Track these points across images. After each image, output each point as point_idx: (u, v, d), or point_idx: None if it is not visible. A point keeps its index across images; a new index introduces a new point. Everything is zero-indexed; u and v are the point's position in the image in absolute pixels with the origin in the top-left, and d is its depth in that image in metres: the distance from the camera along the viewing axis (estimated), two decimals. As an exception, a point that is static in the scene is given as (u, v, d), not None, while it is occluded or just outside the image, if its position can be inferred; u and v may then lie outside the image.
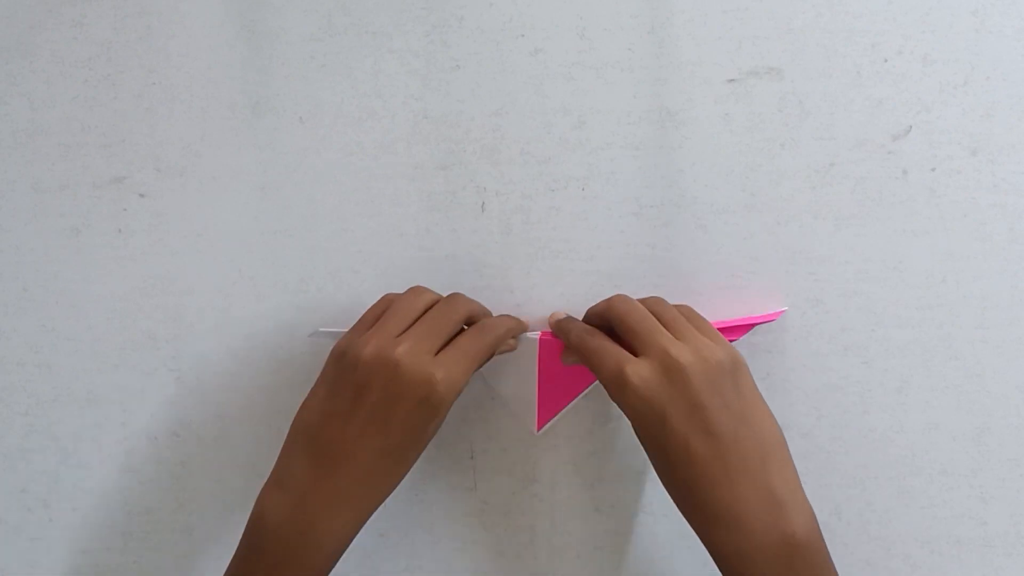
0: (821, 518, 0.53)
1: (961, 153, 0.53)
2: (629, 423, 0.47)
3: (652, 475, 0.54)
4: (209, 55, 0.56)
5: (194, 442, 0.56)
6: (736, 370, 0.46)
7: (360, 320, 0.50)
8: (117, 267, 0.57)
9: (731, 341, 0.50)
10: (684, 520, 0.46)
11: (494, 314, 0.53)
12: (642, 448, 0.47)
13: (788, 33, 0.54)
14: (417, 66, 0.55)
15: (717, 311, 0.54)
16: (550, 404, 0.54)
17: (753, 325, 0.53)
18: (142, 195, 0.57)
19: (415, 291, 0.51)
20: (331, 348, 0.49)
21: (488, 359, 0.50)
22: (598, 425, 0.55)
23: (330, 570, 0.47)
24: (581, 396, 0.54)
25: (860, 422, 0.54)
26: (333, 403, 0.47)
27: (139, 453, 0.57)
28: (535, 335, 0.52)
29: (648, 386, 0.45)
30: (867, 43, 0.54)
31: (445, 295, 0.51)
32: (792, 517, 0.44)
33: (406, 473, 0.48)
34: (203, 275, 0.56)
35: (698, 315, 0.50)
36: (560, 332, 0.51)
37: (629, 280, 0.54)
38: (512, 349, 0.52)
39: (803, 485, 0.49)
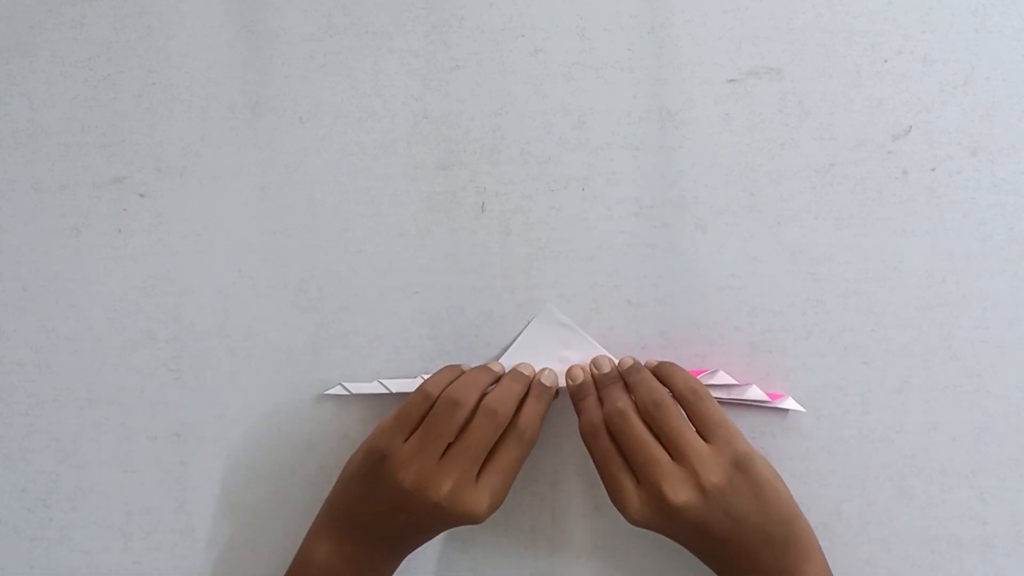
0: (821, 518, 0.53)
1: (961, 153, 0.53)
2: None
3: (652, 475, 0.54)
4: (209, 55, 0.56)
5: (194, 442, 0.56)
6: (745, 468, 0.48)
7: (398, 416, 0.50)
8: (117, 267, 0.57)
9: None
10: None
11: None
12: None
13: (788, 33, 0.54)
14: (417, 66, 0.55)
15: (718, 311, 0.54)
16: None
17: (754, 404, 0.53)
18: (142, 195, 0.57)
19: (452, 400, 0.49)
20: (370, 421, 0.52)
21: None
22: (598, 425, 0.55)
23: None
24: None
25: (860, 422, 0.54)
26: (374, 504, 0.49)
27: (139, 453, 0.57)
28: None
29: (646, 521, 0.48)
30: (867, 43, 0.53)
31: (480, 389, 0.51)
32: (797, 550, 0.47)
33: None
34: (203, 275, 0.56)
35: (703, 399, 0.50)
36: (585, 436, 0.51)
37: (629, 280, 0.54)
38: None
39: (804, 485, 0.49)
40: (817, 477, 0.53)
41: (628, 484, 0.49)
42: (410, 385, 0.53)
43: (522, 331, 0.54)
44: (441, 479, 0.48)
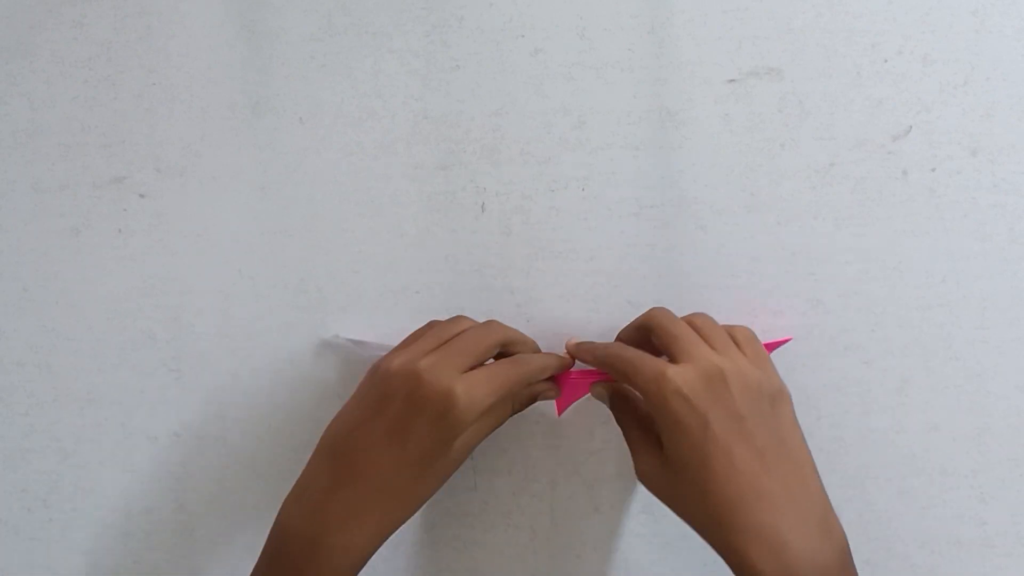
0: (821, 518, 0.53)
1: (961, 153, 0.53)
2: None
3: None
4: (209, 55, 0.56)
5: (194, 442, 0.56)
6: (777, 397, 0.46)
7: (402, 341, 0.50)
8: (117, 267, 0.57)
9: None
10: (684, 520, 0.46)
11: (498, 319, 0.53)
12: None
13: (788, 33, 0.54)
14: (417, 66, 0.55)
15: (718, 311, 0.54)
16: (568, 395, 0.53)
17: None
18: (142, 195, 0.57)
19: (457, 318, 0.51)
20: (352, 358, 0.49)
21: (524, 399, 0.50)
22: (598, 425, 0.55)
23: None
24: (586, 397, 0.54)
25: (860, 422, 0.54)
26: (357, 414, 0.47)
27: (139, 453, 0.57)
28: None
29: (691, 389, 0.44)
30: (867, 43, 0.53)
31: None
32: (832, 545, 0.43)
33: (427, 495, 0.47)
34: (203, 275, 0.56)
35: (754, 339, 0.49)
36: (583, 353, 0.50)
37: (629, 280, 0.54)
38: (554, 397, 0.52)
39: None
40: (817, 477, 0.53)
41: (665, 361, 0.46)
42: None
43: None
44: (423, 357, 0.46)
